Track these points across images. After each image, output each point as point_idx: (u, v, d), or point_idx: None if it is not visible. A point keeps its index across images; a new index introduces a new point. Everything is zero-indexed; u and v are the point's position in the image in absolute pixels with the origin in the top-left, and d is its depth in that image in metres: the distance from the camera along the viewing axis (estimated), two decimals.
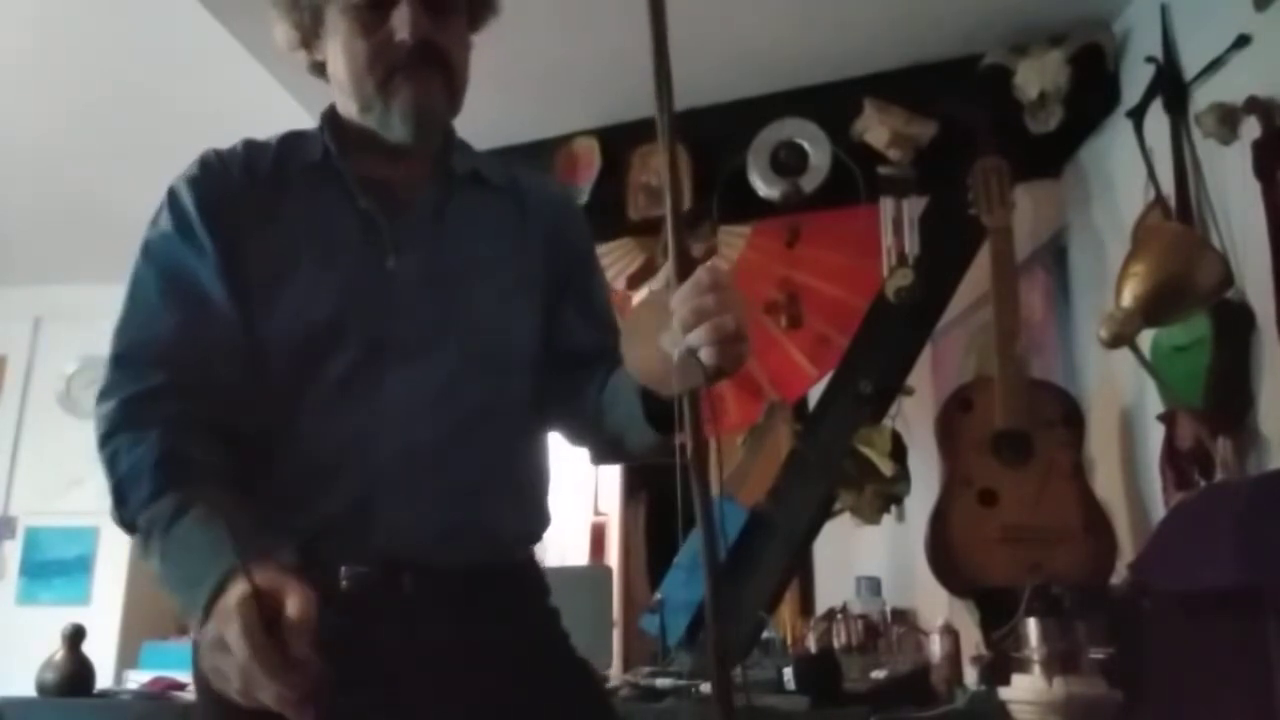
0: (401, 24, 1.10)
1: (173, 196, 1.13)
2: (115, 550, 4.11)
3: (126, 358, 1.07)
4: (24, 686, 2.68)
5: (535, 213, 1.26)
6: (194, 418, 1.03)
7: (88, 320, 4.29)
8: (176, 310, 1.08)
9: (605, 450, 1.25)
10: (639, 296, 3.23)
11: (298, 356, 1.09)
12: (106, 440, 1.03)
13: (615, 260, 3.12)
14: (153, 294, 1.09)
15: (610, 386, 1.15)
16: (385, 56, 1.11)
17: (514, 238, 1.22)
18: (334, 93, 1.19)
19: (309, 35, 1.17)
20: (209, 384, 1.06)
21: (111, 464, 1.02)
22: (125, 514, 1.01)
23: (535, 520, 1.22)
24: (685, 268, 0.96)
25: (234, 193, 1.13)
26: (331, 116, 1.19)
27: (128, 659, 3.67)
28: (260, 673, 0.81)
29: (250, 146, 1.18)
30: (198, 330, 1.07)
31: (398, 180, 1.17)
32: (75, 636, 2.69)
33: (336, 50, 1.15)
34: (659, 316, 0.96)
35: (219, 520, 0.90)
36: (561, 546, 4.45)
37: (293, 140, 1.19)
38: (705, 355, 0.92)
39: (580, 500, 4.81)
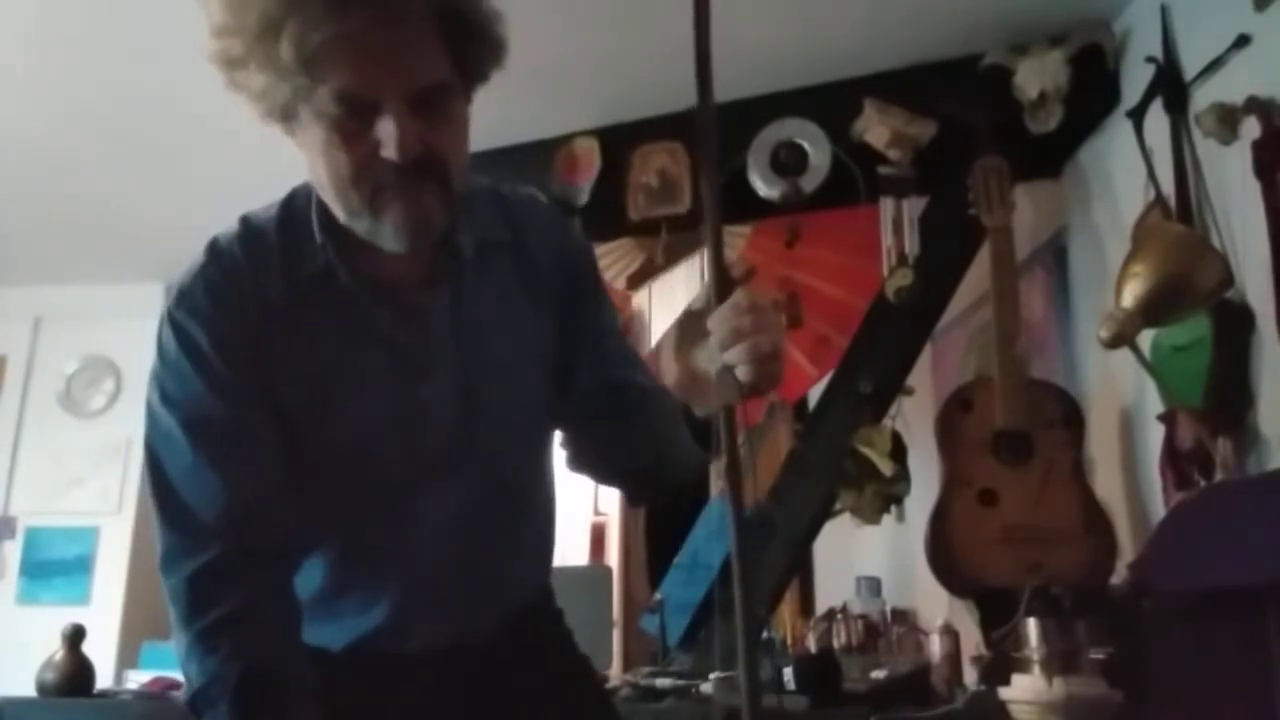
0: (388, 139, 0.95)
1: (179, 329, 1.03)
2: (115, 550, 4.11)
3: (180, 523, 1.02)
4: (24, 686, 2.69)
5: (541, 255, 1.18)
6: (259, 594, 1.01)
7: (88, 320, 4.32)
8: (215, 461, 1.02)
9: (643, 481, 1.24)
10: (638, 297, 3.24)
11: (333, 486, 1.09)
12: (179, 626, 1.01)
13: (615, 260, 3.12)
14: (185, 449, 1.02)
15: (644, 419, 1.15)
16: (371, 173, 0.97)
17: (527, 304, 1.16)
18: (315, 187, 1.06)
19: (280, 120, 1.02)
20: (265, 535, 1.03)
21: (185, 662, 1.00)
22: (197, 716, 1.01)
23: (550, 562, 1.29)
24: (724, 289, 0.99)
25: (248, 320, 1.04)
26: (323, 212, 1.06)
27: (128, 659, 3.67)
28: None
29: (251, 251, 1.06)
30: (242, 478, 1.02)
31: (406, 278, 1.08)
32: (75, 636, 2.69)
33: (314, 154, 1.00)
34: (696, 334, 1.00)
35: None
36: (561, 546, 4.44)
37: (290, 238, 1.07)
38: (742, 373, 0.95)
39: (580, 500, 4.81)
